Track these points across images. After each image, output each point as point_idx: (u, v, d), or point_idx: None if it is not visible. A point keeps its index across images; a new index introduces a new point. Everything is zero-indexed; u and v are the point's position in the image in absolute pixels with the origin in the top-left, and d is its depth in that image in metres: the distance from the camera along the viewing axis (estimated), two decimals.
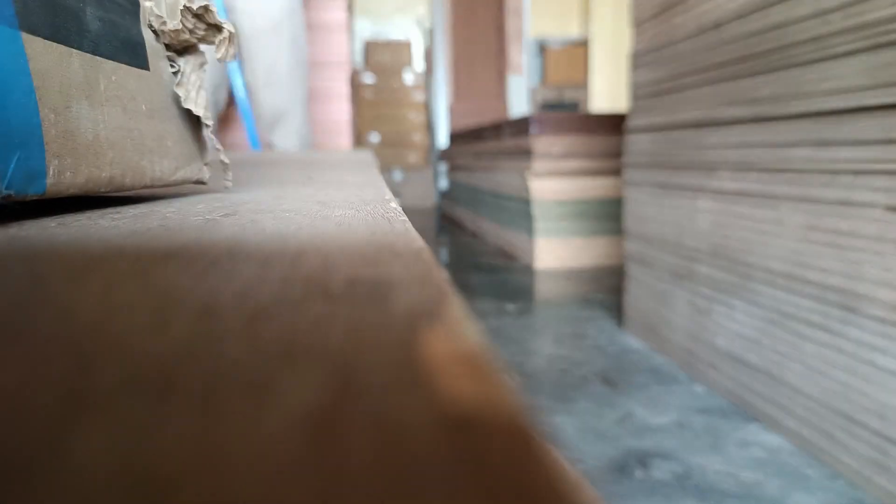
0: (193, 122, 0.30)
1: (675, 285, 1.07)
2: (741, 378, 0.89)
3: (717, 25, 0.92)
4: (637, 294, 1.21)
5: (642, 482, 0.71)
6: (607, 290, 1.65)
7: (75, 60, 0.22)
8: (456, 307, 0.11)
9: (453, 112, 4.32)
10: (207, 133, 0.30)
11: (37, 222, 0.20)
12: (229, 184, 0.33)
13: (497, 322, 1.36)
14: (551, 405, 0.92)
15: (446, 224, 3.28)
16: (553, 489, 0.06)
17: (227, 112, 1.73)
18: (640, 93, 1.17)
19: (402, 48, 4.24)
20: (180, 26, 0.27)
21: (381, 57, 4.20)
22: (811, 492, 0.69)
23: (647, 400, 0.94)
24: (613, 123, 1.94)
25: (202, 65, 0.29)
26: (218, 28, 0.28)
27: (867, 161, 0.67)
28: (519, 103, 4.41)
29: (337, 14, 1.43)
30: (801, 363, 0.77)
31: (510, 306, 1.50)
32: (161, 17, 0.27)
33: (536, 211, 1.98)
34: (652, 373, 1.05)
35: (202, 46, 0.29)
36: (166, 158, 0.27)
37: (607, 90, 4.30)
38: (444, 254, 2.32)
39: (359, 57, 4.33)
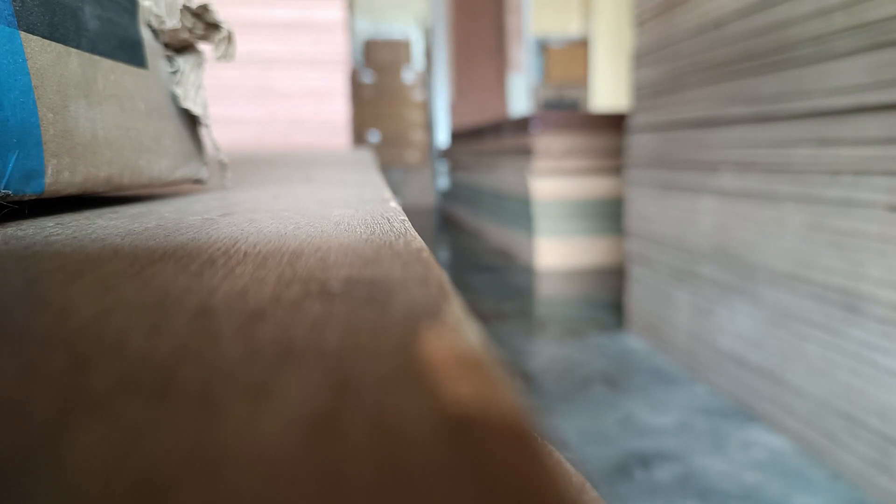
0: (192, 121, 0.30)
1: (676, 285, 1.07)
2: (743, 379, 0.89)
3: (719, 25, 0.91)
4: (638, 294, 1.21)
5: (643, 483, 0.71)
6: (608, 290, 1.64)
7: (73, 59, 0.21)
8: (455, 307, 0.11)
9: (453, 111, 4.32)
10: (206, 132, 0.30)
11: (34, 222, 0.20)
12: (228, 183, 0.33)
13: (497, 322, 1.36)
14: (552, 406, 0.92)
15: (446, 223, 3.28)
16: (553, 490, 0.06)
17: None
18: (641, 92, 1.17)
19: (402, 47, 4.23)
20: (179, 25, 0.27)
21: (381, 55, 4.19)
22: (813, 493, 0.68)
23: (648, 400, 0.94)
24: (614, 122, 1.93)
25: (200, 64, 0.29)
26: (217, 27, 0.28)
27: (869, 160, 0.66)
28: (519, 102, 4.40)
29: (335, 12, 1.43)
30: (804, 364, 0.77)
31: (510, 306, 1.50)
32: (160, 15, 0.26)
33: (537, 210, 1.98)
34: (653, 373, 1.05)
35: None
36: (164, 158, 0.27)
37: (608, 89, 4.30)
38: (444, 253, 2.32)
39: (358, 55, 4.32)
